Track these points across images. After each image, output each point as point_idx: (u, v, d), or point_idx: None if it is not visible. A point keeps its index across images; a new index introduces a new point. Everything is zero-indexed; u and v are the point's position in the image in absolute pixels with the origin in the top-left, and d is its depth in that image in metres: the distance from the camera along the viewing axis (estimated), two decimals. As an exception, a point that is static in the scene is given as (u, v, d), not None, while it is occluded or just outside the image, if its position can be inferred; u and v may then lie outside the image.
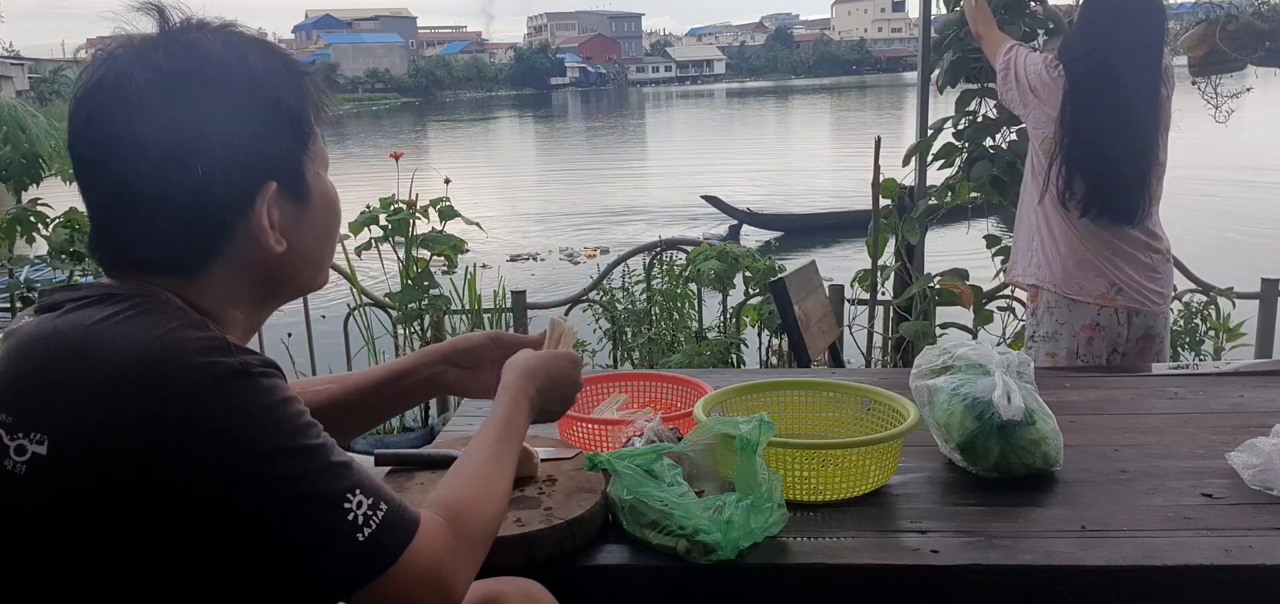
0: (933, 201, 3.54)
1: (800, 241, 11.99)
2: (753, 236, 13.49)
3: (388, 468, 1.44)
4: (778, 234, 13.51)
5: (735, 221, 14.06)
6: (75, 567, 0.81)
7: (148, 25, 0.95)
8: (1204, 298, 3.75)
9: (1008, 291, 3.64)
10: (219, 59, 0.93)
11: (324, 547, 0.85)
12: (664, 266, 4.13)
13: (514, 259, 11.20)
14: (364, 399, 1.30)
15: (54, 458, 0.81)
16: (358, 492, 0.86)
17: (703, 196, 14.38)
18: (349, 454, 0.90)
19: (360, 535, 0.85)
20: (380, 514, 0.87)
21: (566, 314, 3.99)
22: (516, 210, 16.16)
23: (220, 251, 0.94)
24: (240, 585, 0.84)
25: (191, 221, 0.92)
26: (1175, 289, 3.81)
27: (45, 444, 0.81)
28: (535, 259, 11.63)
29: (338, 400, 1.28)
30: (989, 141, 3.41)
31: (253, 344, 1.01)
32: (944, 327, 3.60)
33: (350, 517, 0.85)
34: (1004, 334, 3.66)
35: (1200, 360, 3.62)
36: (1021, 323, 3.65)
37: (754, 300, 3.91)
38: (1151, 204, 2.43)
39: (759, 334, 3.95)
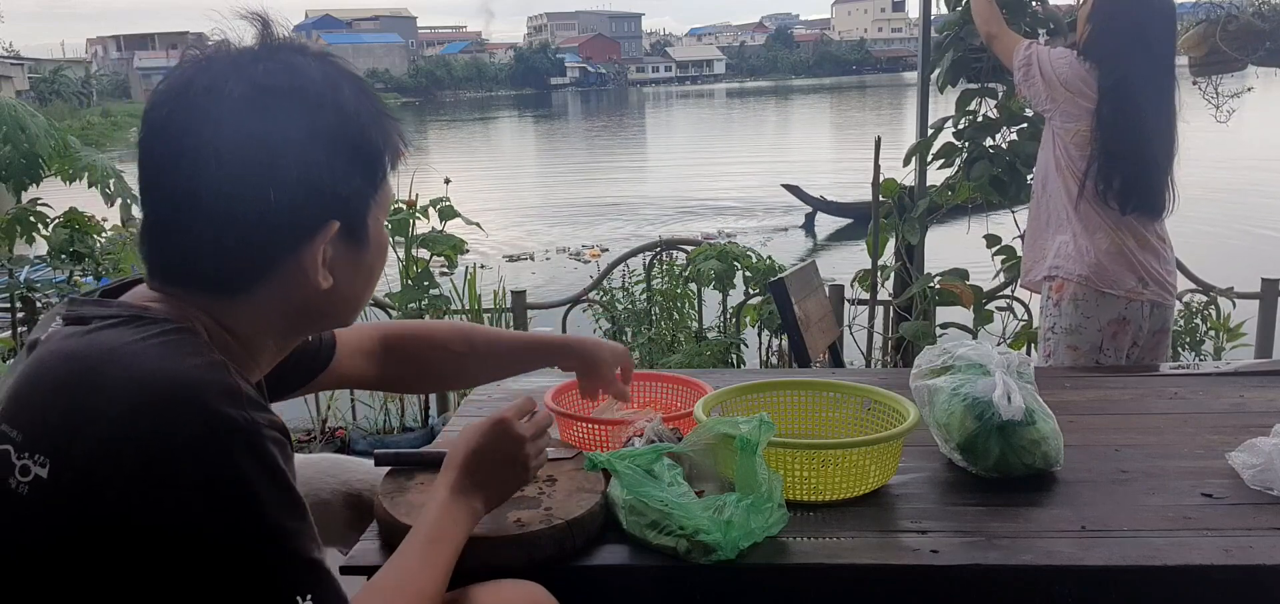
0: (933, 201, 3.54)
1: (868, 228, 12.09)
2: (826, 224, 13.66)
3: (387, 467, 1.44)
4: (848, 221, 13.64)
5: (810, 210, 14.28)
6: (70, 590, 0.81)
7: (246, 35, 0.94)
8: (1204, 298, 3.75)
9: (1008, 291, 3.64)
10: (316, 85, 0.91)
11: None
12: (664, 267, 4.13)
13: (515, 259, 11.19)
14: (502, 356, 1.55)
15: (53, 481, 0.81)
16: (312, 597, 0.84)
17: (783, 185, 14.66)
18: (322, 554, 0.87)
19: None
20: None
21: (566, 313, 4.00)
22: (518, 209, 16.15)
23: (267, 276, 0.93)
24: None
25: (248, 242, 0.90)
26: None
27: (47, 467, 0.81)
28: (531, 258, 11.62)
29: (478, 346, 1.49)
30: (989, 141, 3.41)
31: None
32: (944, 327, 3.60)
33: None
34: (1004, 334, 3.66)
35: (1200, 360, 3.62)
36: (1021, 322, 3.66)
37: (754, 300, 3.91)
38: (1175, 198, 2.50)
39: (759, 334, 3.95)
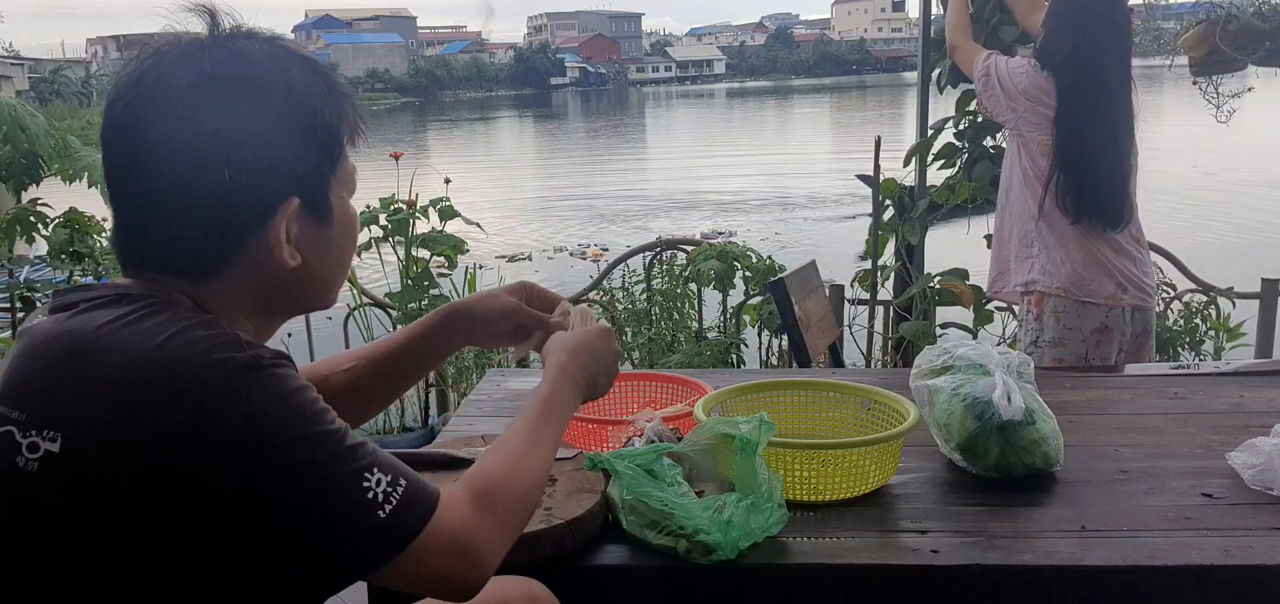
0: (933, 201, 3.54)
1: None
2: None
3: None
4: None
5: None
6: (88, 562, 0.82)
7: (196, 26, 0.96)
8: (1204, 298, 3.75)
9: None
10: (263, 69, 0.94)
11: (346, 527, 0.85)
12: (664, 267, 4.13)
13: (515, 258, 11.19)
14: (394, 362, 1.31)
15: (67, 455, 0.82)
16: (376, 469, 0.88)
17: (857, 176, 14.65)
18: (363, 436, 0.91)
19: (381, 512, 0.86)
20: (400, 490, 0.88)
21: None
22: (518, 209, 16.15)
23: (234, 258, 0.95)
24: (260, 575, 0.85)
25: (211, 225, 0.93)
26: (1175, 288, 3.83)
27: (58, 441, 0.82)
28: (530, 258, 11.62)
29: (363, 374, 1.29)
30: (989, 141, 3.41)
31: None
32: (944, 327, 3.60)
33: (370, 494, 0.86)
34: (1004, 334, 3.66)
35: (1200, 360, 3.62)
36: (1020, 324, 3.65)
37: (754, 300, 3.91)
38: (1134, 207, 2.45)
39: (759, 334, 3.95)
